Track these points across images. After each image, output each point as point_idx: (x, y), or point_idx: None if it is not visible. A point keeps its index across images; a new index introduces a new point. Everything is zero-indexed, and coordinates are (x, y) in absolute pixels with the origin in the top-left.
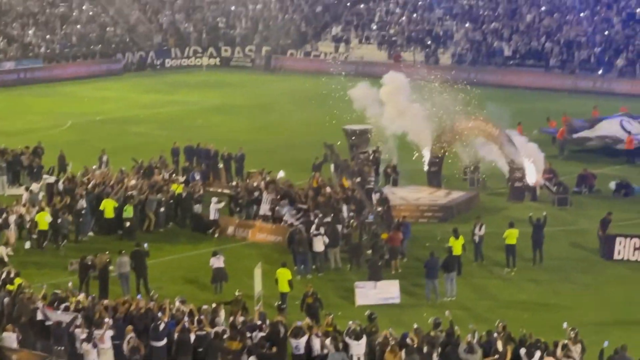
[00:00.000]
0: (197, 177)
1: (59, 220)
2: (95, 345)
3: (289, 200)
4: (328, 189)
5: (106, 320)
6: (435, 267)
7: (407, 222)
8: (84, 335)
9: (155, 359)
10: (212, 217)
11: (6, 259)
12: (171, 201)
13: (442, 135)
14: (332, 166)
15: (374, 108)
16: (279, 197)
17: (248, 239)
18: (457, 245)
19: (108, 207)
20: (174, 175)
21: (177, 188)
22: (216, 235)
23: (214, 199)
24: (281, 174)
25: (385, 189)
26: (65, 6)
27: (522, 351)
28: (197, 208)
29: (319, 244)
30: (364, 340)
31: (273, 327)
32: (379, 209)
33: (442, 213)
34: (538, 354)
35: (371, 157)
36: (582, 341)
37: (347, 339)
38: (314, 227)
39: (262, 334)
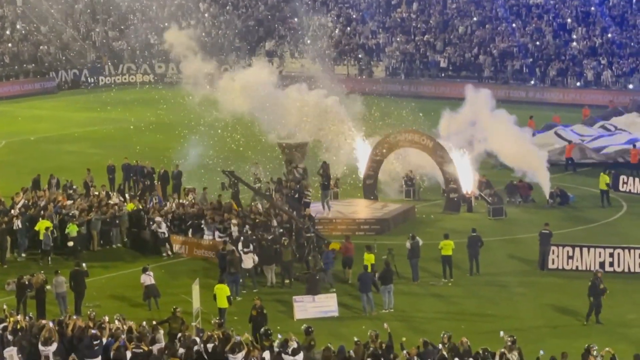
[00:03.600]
0: (155, 200)
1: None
2: None
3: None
4: (259, 207)
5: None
6: (368, 280)
7: (329, 252)
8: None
9: None
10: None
11: None
12: (117, 220)
13: (377, 147)
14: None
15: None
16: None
17: (185, 255)
18: (371, 259)
19: (42, 228)
20: (113, 193)
21: (131, 207)
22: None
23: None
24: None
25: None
26: None
27: None
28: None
29: (249, 262)
30: (300, 356)
31: (208, 342)
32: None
33: (378, 226)
34: None
35: (320, 172)
36: (519, 349)
37: (284, 356)
38: (240, 244)
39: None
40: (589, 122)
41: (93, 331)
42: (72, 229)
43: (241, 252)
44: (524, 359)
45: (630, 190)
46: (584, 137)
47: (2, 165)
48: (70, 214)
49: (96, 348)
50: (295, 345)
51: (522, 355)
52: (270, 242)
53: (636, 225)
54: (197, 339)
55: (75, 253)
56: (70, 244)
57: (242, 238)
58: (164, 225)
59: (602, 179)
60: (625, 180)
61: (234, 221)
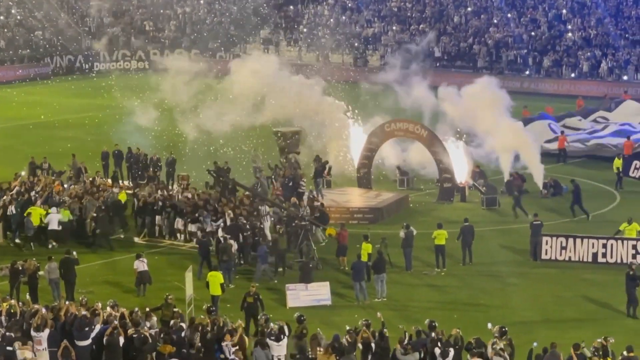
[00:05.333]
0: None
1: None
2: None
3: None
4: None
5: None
6: (361, 269)
7: (262, 246)
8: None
9: (80, 358)
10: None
11: None
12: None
13: (371, 137)
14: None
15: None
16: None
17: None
18: (368, 249)
19: (34, 213)
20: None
21: (122, 196)
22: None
23: None
24: None
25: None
26: None
27: (437, 351)
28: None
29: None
30: (284, 341)
31: (200, 329)
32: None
33: (372, 215)
34: (452, 352)
35: (314, 164)
36: (510, 339)
37: (267, 340)
38: (220, 230)
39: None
40: (583, 113)
41: (83, 313)
42: (64, 214)
43: (222, 239)
44: (514, 349)
45: (639, 176)
46: (578, 131)
47: None
48: (61, 200)
49: (86, 329)
50: (277, 330)
51: (512, 345)
52: (261, 232)
53: (628, 216)
54: (184, 325)
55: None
56: (59, 228)
57: (222, 224)
58: (56, 219)
59: (616, 164)
60: (638, 165)
61: (229, 211)
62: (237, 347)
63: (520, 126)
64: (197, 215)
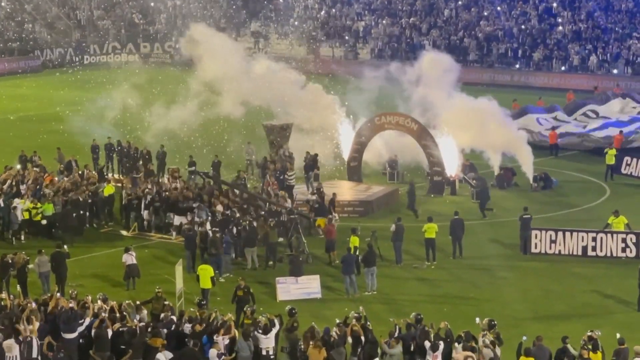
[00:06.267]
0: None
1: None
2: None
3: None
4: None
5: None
6: (351, 262)
7: (226, 237)
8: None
9: (67, 351)
10: None
11: None
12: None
13: (362, 130)
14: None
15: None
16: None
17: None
18: (355, 242)
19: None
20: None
21: (109, 189)
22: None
23: None
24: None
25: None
26: None
27: (427, 344)
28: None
29: None
30: (272, 333)
31: (190, 323)
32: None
33: (362, 208)
34: (442, 345)
35: (305, 161)
36: (498, 333)
37: (255, 333)
38: (209, 223)
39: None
40: (572, 106)
41: (70, 305)
42: (48, 208)
43: (210, 232)
44: (502, 342)
45: (631, 173)
46: (566, 124)
47: None
48: (42, 193)
49: (73, 322)
50: (268, 323)
51: (500, 338)
52: (251, 226)
53: (618, 210)
54: (174, 318)
55: (51, 232)
56: (44, 222)
57: (209, 217)
58: (19, 210)
59: (609, 158)
60: (629, 162)
61: (219, 206)
62: (228, 342)
63: (470, 100)
64: (192, 206)
